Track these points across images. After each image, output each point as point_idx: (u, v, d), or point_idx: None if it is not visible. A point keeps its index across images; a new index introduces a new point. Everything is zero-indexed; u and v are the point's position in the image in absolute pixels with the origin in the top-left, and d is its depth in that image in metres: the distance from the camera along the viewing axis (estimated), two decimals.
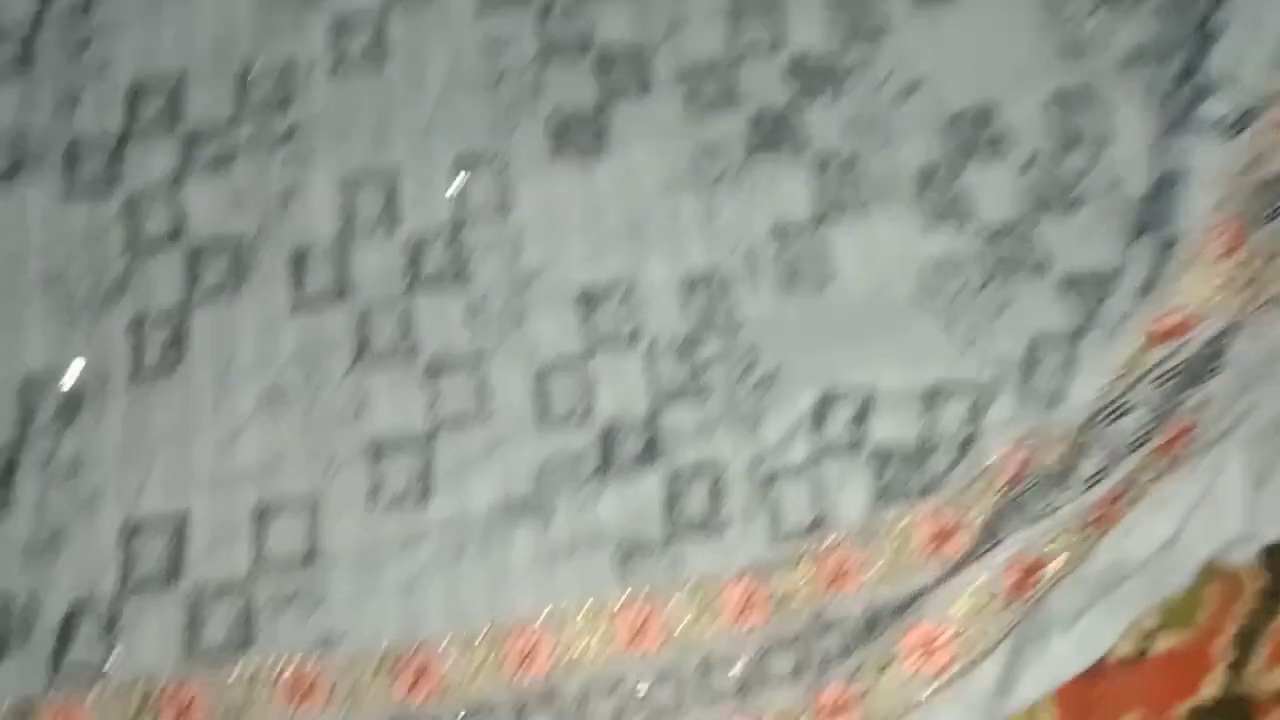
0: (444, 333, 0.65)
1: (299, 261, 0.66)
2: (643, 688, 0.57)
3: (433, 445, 0.62)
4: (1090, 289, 0.64)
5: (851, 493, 0.61)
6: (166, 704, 0.56)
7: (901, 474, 0.61)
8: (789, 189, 0.68)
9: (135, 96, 0.70)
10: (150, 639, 0.57)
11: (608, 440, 0.63)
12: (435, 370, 0.64)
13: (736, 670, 0.58)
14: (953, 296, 0.66)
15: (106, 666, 0.57)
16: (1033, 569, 0.56)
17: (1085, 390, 0.61)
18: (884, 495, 0.61)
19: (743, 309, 0.66)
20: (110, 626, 0.58)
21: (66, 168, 0.68)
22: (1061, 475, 0.59)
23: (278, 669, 0.57)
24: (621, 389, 0.64)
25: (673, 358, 0.65)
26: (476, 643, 0.58)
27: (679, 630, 0.58)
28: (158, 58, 0.71)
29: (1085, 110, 0.69)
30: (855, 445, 0.62)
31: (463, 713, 0.56)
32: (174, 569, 0.59)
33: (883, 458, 0.62)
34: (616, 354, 0.65)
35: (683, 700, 0.57)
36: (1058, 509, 0.57)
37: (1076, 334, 0.63)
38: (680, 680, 0.57)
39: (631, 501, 0.61)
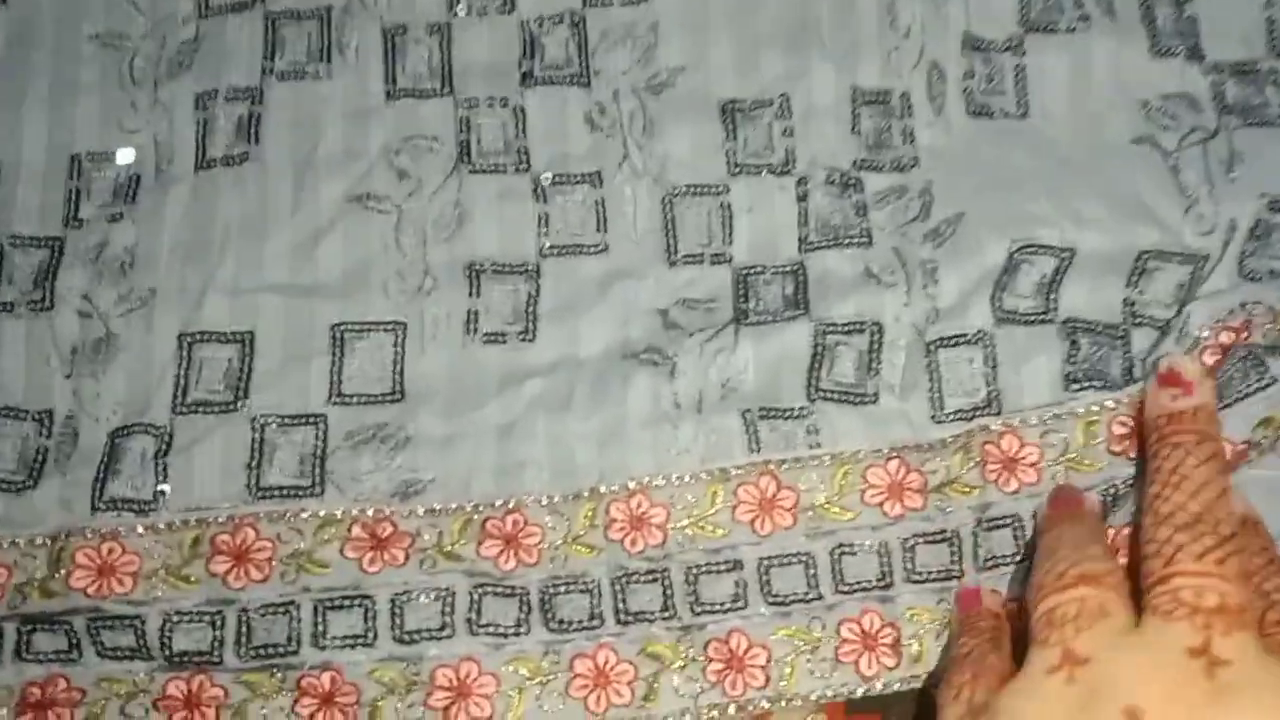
0: (560, 137, 0.55)
1: (394, 40, 0.56)
2: (764, 570, 0.49)
3: (540, 274, 0.53)
4: None
5: (1035, 371, 0.51)
6: (222, 545, 0.49)
7: (1096, 353, 0.51)
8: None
9: None
10: (208, 471, 0.50)
11: (746, 285, 0.53)
12: (548, 184, 0.54)
13: (875, 566, 0.49)
14: (1177, 144, 0.54)
15: (156, 499, 0.50)
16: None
17: None
18: (1073, 378, 0.51)
19: (921, 138, 0.55)
20: (162, 453, 0.50)
21: None
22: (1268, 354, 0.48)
23: (352, 514, 0.50)
24: (767, 224, 0.54)
25: (831, 192, 0.54)
26: (579, 503, 0.50)
27: (813, 510, 0.50)
28: None
29: None
30: (1044, 315, 0.52)
31: (555, 581, 0.49)
32: (239, 392, 0.52)
33: (1075, 331, 0.51)
34: (763, 182, 0.55)
35: (810, 589, 0.49)
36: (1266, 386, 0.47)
37: None
38: (809, 567, 0.49)
39: (770, 358, 0.52)
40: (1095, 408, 0.50)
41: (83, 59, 0.56)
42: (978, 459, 0.50)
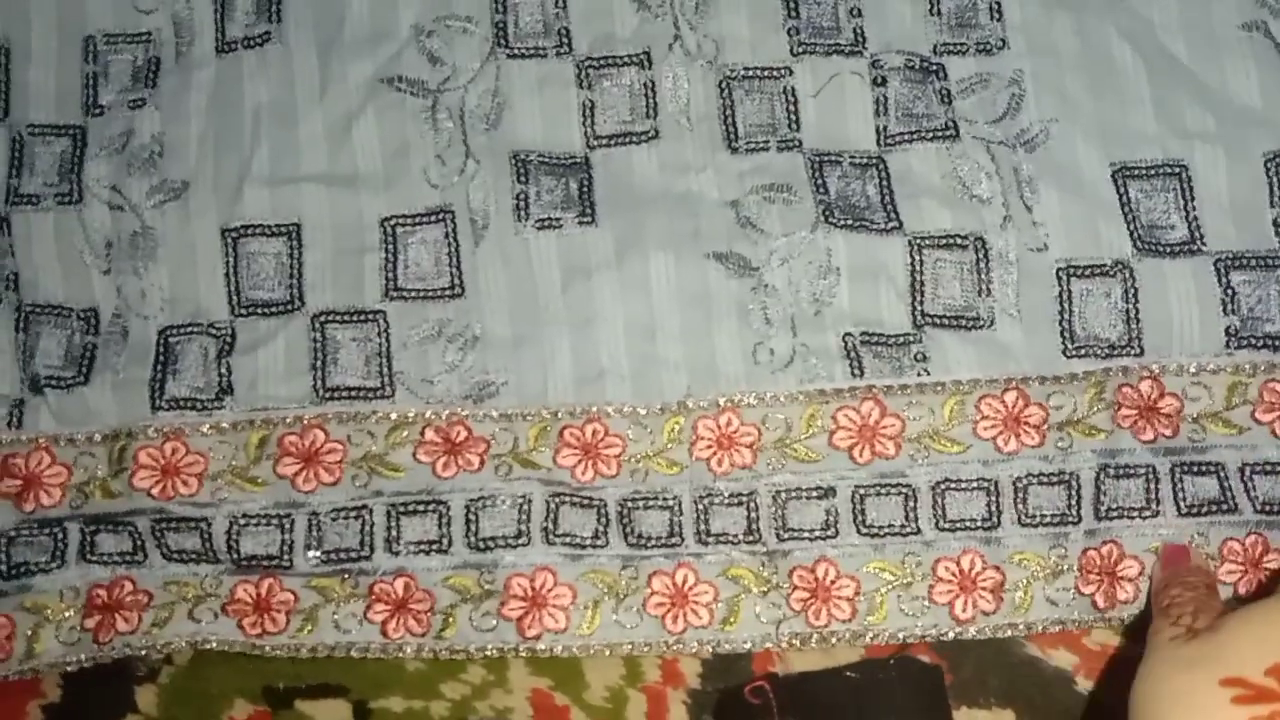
0: (604, 17, 0.49)
1: None
2: (859, 499, 0.46)
3: (590, 164, 0.49)
4: None
5: (1186, 312, 0.46)
6: (290, 447, 0.47)
7: (1255, 296, 0.46)
8: None
9: None
10: (271, 371, 0.48)
11: (822, 174, 0.47)
12: (593, 66, 0.49)
13: (982, 504, 0.46)
14: None
15: (217, 399, 0.47)
16: None
17: None
18: (1231, 330, 0.46)
19: (1011, 14, 0.48)
20: (225, 353, 0.48)
21: None
22: None
23: (425, 416, 0.47)
24: (837, 111, 0.48)
25: (909, 78, 0.48)
26: (664, 417, 0.46)
27: (917, 440, 0.46)
28: None
29: None
30: (1191, 246, 0.46)
31: (634, 495, 0.46)
32: (294, 290, 0.48)
33: (1229, 269, 0.46)
34: (830, 63, 0.49)
35: (908, 523, 0.46)
36: None
37: None
38: (909, 500, 0.46)
39: (864, 271, 0.47)
40: (1248, 367, 0.45)
41: None
42: (1111, 401, 0.45)
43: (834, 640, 0.46)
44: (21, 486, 0.46)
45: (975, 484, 0.46)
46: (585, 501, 0.46)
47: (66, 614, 0.46)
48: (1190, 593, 0.40)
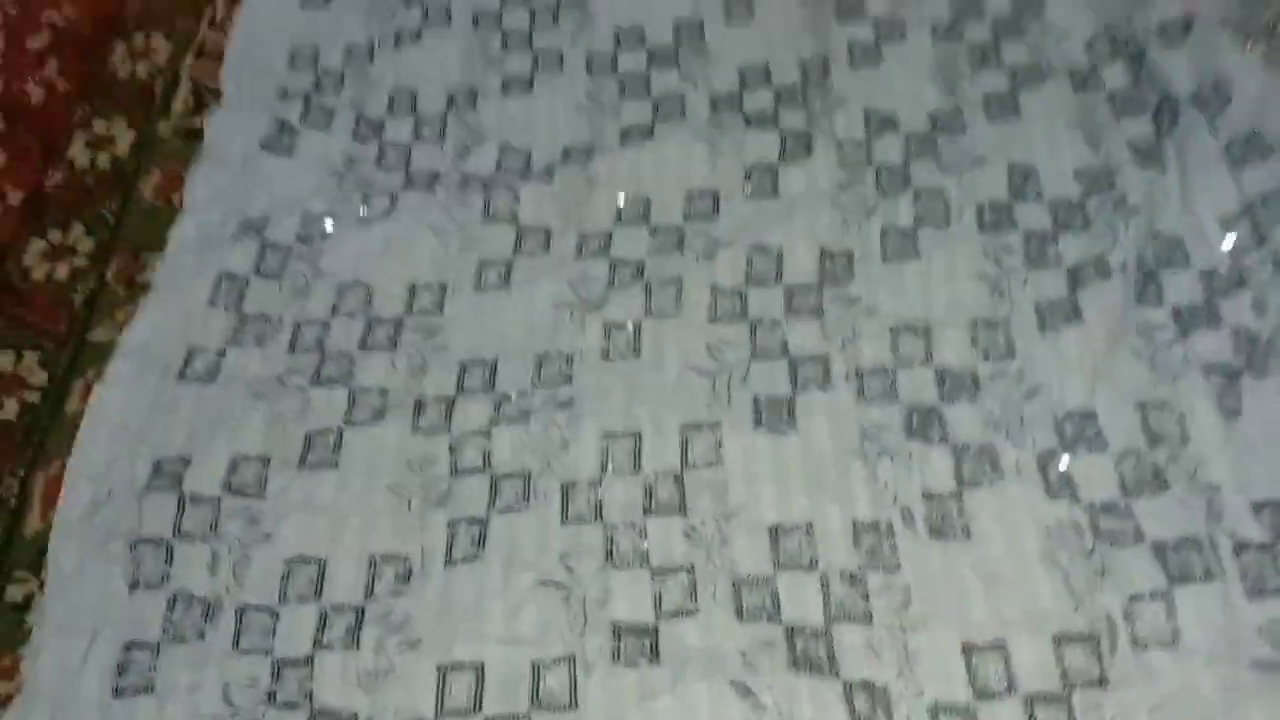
0: (668, 547, 0.88)
1: (568, 490, 0.92)
2: None
3: (657, 634, 0.84)
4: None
5: None
6: None
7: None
8: (937, 463, 0.90)
9: (464, 369, 1.00)
10: None
11: (793, 637, 0.83)
12: (661, 573, 0.87)
13: None
14: (1067, 560, 0.84)
15: None
16: None
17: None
18: None
19: (900, 552, 0.86)
20: None
21: (415, 414, 0.97)
22: None
23: None
24: (802, 602, 0.84)
25: (844, 584, 0.85)
26: None
27: None
28: (482, 344, 1.01)
29: (1167, 417, 0.89)
30: (1009, 689, 0.79)
31: None
32: (475, 703, 0.81)
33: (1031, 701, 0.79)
34: (798, 576, 0.86)
35: None
36: None
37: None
38: None
39: (821, 701, 0.80)
40: None
41: None
42: None
43: None
44: None
45: None
46: None
47: None
48: None
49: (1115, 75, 1.15)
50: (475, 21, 1.31)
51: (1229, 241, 0.98)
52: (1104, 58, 1.17)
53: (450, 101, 1.23)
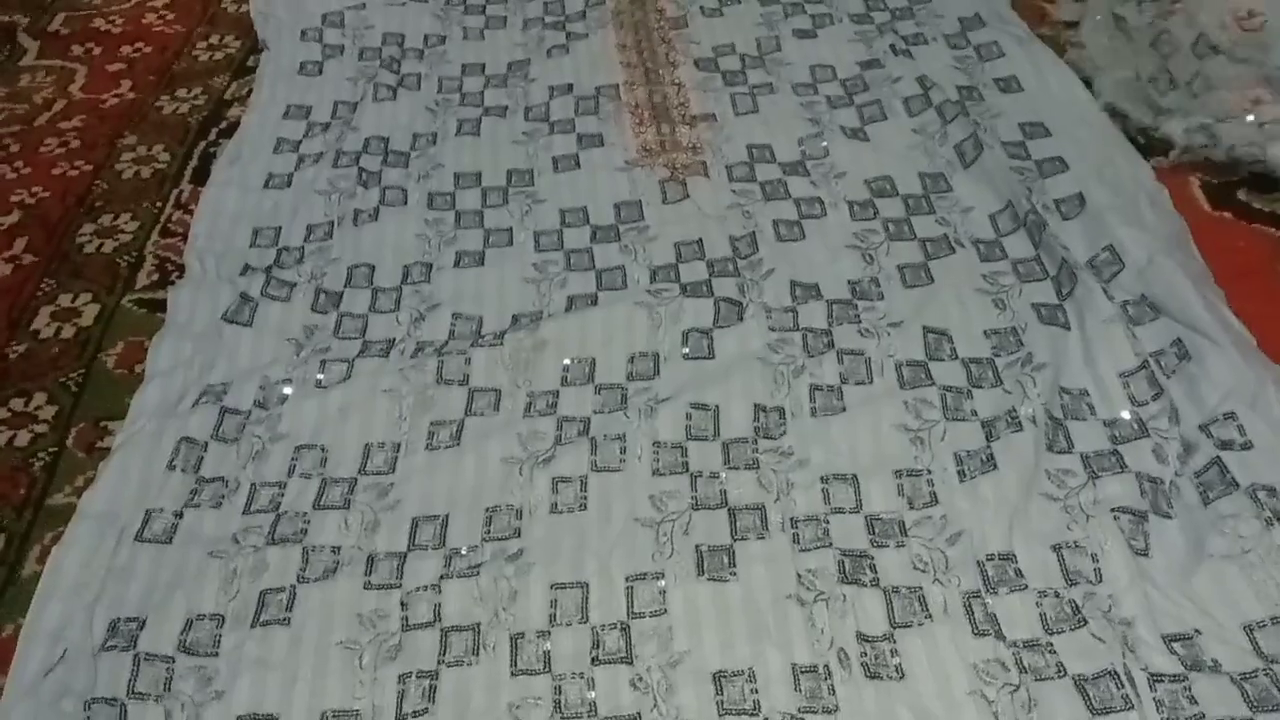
0: (615, 696, 0.90)
1: (517, 642, 0.94)
2: None
3: None
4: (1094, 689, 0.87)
5: None
6: None
7: None
8: (870, 607, 0.95)
9: (415, 526, 1.03)
10: None
11: None
12: None
13: None
14: (995, 694, 0.88)
15: None
16: None
17: None
18: None
19: (838, 694, 0.89)
20: None
21: (366, 571, 1.00)
22: None
23: None
24: None
25: None
26: None
27: None
28: (433, 501, 1.05)
29: (1082, 557, 0.96)
30: None
31: None
32: None
33: None
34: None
35: None
36: None
37: None
38: None
39: None
40: None
41: None
42: None
43: None
44: None
45: None
46: None
47: None
48: None
49: (1018, 245, 1.28)
50: (430, 202, 1.41)
51: (1126, 414, 1.07)
52: (1007, 229, 1.30)
53: (405, 274, 1.31)
